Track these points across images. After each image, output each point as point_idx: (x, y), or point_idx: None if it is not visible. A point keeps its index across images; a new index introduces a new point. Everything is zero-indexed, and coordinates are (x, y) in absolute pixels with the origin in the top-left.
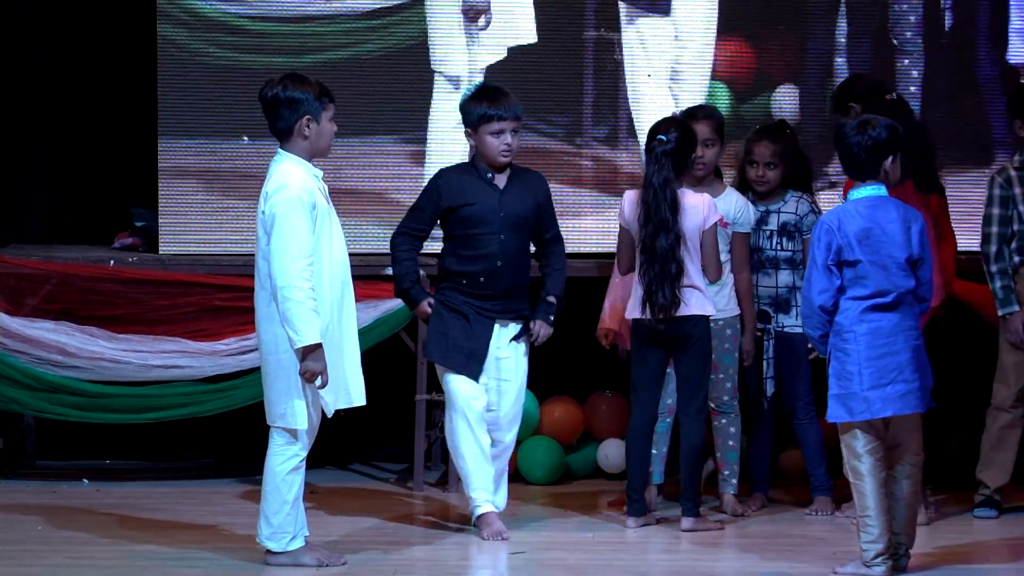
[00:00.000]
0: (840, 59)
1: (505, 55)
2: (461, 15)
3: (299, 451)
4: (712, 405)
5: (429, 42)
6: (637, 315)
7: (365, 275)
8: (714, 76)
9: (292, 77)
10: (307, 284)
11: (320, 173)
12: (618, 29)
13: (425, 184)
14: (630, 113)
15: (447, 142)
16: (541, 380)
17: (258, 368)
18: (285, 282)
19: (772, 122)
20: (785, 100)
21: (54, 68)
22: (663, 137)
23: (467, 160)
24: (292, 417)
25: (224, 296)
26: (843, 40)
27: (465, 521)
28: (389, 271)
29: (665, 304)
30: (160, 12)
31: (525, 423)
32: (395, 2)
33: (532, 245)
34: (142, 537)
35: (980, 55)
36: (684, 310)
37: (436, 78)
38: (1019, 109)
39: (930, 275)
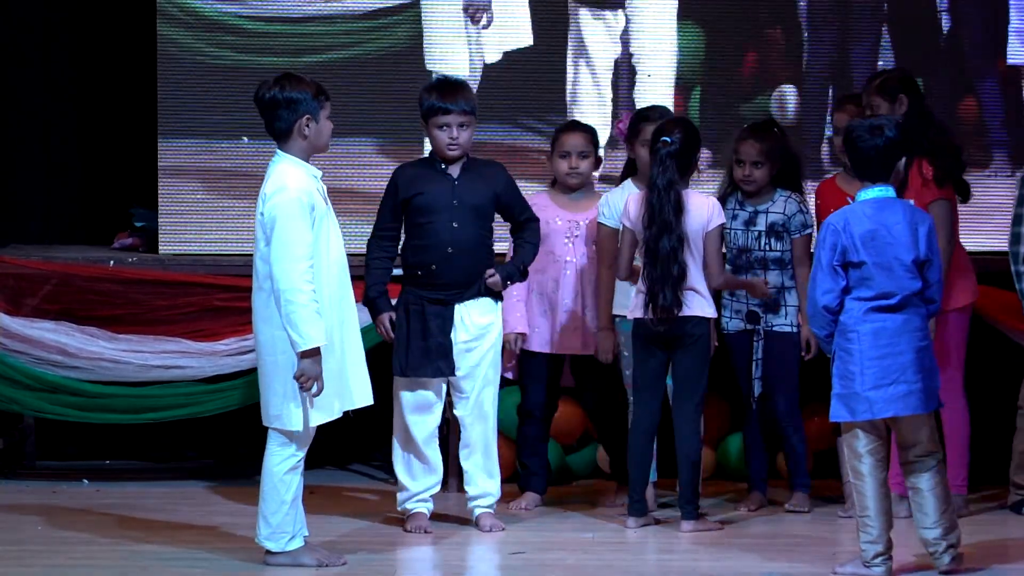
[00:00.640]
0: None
1: (501, 56)
2: (460, 15)
3: (296, 451)
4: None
5: (427, 42)
6: (639, 315)
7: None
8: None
9: (288, 77)
10: (310, 287)
11: (319, 173)
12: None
13: None
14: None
15: None
16: None
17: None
18: (288, 285)
19: (759, 120)
20: (785, 100)
21: (54, 68)
22: (667, 139)
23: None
24: (288, 419)
25: (224, 296)
26: (843, 40)
27: (465, 521)
28: None
29: (666, 306)
30: (160, 12)
31: None
32: (394, 2)
33: (511, 230)
34: (142, 537)
35: (979, 56)
36: (685, 311)
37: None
38: None
39: (938, 276)
